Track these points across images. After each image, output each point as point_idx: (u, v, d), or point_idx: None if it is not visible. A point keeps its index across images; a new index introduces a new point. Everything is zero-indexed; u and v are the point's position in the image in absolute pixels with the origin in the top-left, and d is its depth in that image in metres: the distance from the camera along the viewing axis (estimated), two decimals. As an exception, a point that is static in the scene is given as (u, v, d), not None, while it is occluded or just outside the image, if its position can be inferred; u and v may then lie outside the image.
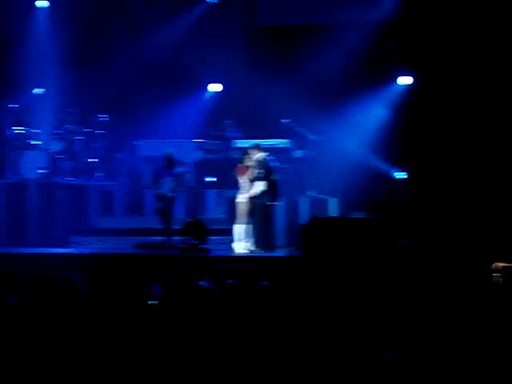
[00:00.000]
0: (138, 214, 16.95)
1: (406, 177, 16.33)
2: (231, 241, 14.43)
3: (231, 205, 15.55)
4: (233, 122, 17.77)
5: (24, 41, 18.47)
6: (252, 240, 14.24)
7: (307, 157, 16.52)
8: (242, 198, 14.31)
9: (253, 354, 6.79)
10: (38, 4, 18.77)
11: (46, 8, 18.82)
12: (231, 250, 14.28)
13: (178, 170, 15.48)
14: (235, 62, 17.99)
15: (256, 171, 14.25)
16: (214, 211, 16.55)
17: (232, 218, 15.44)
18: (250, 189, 14.26)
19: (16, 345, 7.11)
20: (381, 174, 16.71)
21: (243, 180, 14.32)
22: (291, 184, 16.01)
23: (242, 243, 14.20)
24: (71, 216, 16.35)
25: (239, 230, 14.27)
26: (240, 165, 14.40)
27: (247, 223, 14.25)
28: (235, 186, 14.71)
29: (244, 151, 14.91)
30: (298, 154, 16.65)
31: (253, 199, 14.26)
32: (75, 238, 15.92)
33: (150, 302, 7.87)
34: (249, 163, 14.32)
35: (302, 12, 18.05)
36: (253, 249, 14.19)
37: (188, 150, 17.02)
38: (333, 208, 15.79)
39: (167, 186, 15.19)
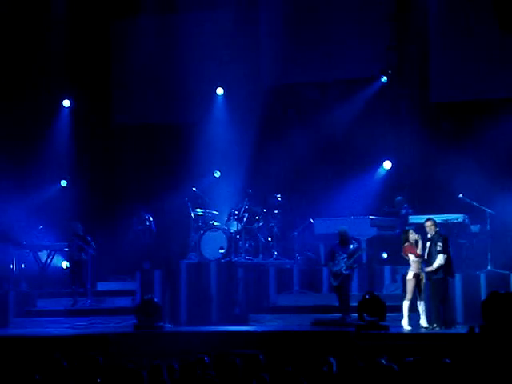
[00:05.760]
0: (315, 291, 17.16)
1: None
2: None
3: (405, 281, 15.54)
4: (406, 199, 17.77)
5: (202, 128, 19.38)
6: (431, 316, 14.15)
7: (484, 231, 16.29)
8: (410, 275, 14.35)
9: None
10: (218, 92, 19.73)
11: (222, 95, 19.75)
12: (401, 327, 14.23)
13: (353, 246, 15.59)
14: (408, 138, 18.11)
15: (433, 245, 14.24)
16: (389, 288, 16.54)
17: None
18: (418, 265, 14.28)
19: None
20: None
21: (411, 258, 14.38)
22: (469, 259, 15.83)
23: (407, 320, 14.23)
24: (250, 294, 16.78)
25: (407, 306, 14.28)
26: (406, 244, 14.45)
27: (418, 299, 14.24)
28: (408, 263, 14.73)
29: (405, 229, 15.06)
30: (475, 228, 16.46)
31: (430, 274, 14.23)
32: (255, 315, 16.29)
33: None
34: (413, 240, 14.38)
35: (476, 87, 17.96)
36: (433, 326, 14.07)
37: (362, 226, 17.11)
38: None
39: (342, 263, 15.32)
